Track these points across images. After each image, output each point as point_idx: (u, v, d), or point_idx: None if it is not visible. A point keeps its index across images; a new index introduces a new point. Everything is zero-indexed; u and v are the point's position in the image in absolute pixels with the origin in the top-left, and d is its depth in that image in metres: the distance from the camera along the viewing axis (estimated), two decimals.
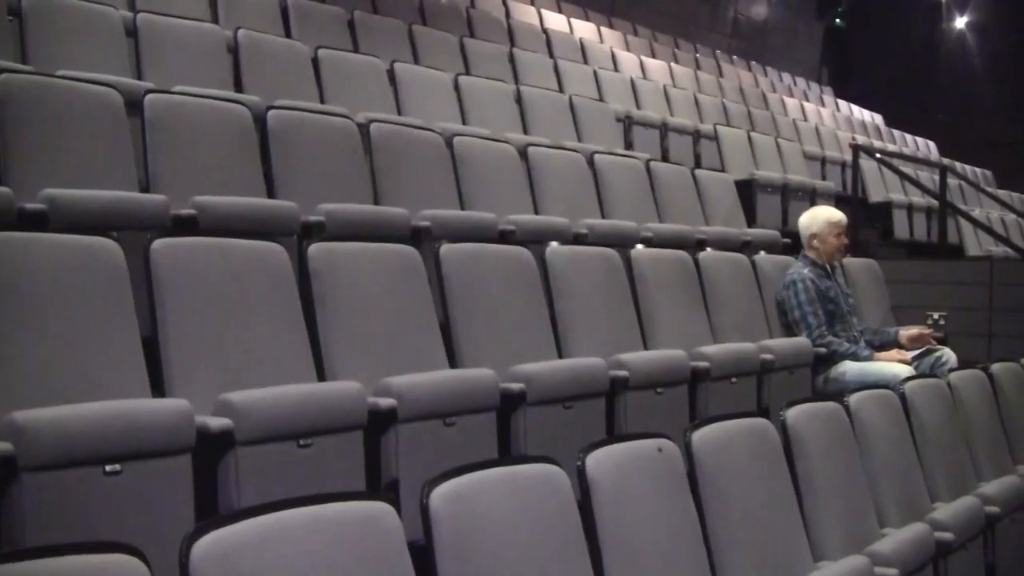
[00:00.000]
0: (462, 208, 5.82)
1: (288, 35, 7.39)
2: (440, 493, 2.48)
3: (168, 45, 6.01)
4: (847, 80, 20.18)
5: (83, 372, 3.19)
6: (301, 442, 3.25)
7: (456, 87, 7.61)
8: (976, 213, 11.74)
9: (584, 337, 4.93)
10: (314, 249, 4.02)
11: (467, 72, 8.36)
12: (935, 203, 11.27)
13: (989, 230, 10.84)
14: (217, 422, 3.08)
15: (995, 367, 5.95)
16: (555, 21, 12.93)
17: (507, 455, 3.93)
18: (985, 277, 8.47)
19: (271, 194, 5.01)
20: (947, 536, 4.14)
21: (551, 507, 2.73)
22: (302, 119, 5.35)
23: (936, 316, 6.92)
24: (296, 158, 5.18)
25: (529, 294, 4.81)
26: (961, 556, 4.28)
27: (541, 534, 2.67)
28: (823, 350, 6.13)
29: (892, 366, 6.10)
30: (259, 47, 6.48)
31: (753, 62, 17.22)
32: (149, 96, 4.79)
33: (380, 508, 2.36)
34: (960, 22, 20.21)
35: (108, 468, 2.82)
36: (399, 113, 6.88)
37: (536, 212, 6.25)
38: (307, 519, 2.20)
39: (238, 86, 6.22)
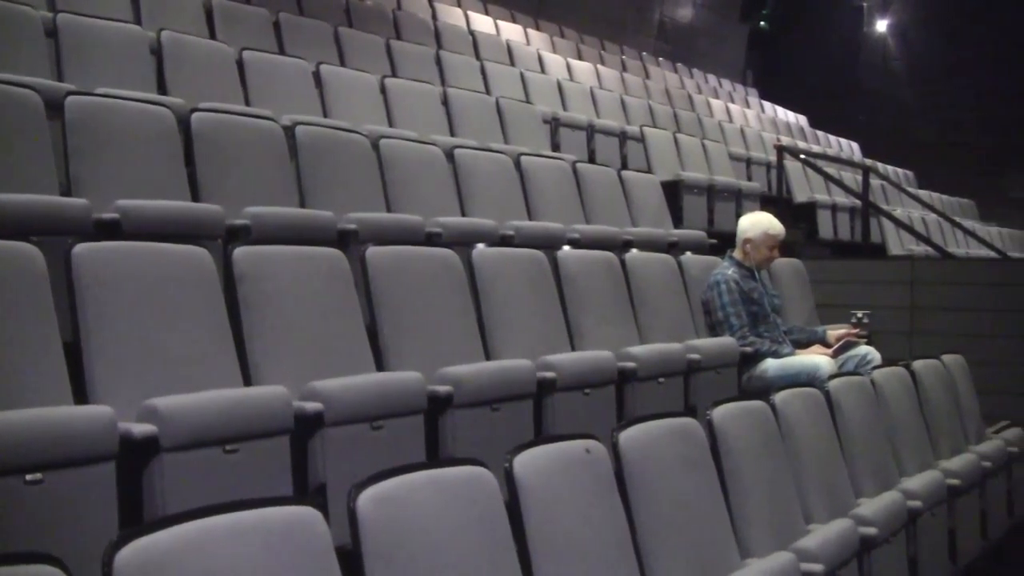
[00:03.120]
0: (388, 211, 5.81)
1: (213, 37, 7.32)
2: (367, 497, 2.47)
3: (90, 46, 5.93)
4: (772, 82, 20.39)
5: (3, 379, 3.14)
6: (227, 448, 3.22)
7: (382, 89, 7.58)
8: (898, 213, 11.93)
9: (511, 339, 4.94)
10: (239, 253, 3.99)
11: (393, 74, 8.33)
12: (858, 203, 11.44)
13: (911, 230, 11.02)
14: (141, 429, 3.05)
15: (917, 364, 6.06)
16: (482, 23, 12.94)
17: (435, 458, 3.93)
18: (907, 276, 8.61)
19: (195, 197, 4.96)
20: (871, 531, 4.20)
21: (479, 509, 2.73)
22: (227, 121, 5.31)
23: (860, 315, 7.02)
24: (221, 161, 5.13)
25: (456, 296, 4.81)
26: (885, 550, 4.35)
27: (469, 536, 2.67)
28: (748, 349, 6.19)
29: (813, 357, 6.18)
30: (183, 49, 6.40)
31: (679, 64, 17.35)
32: (70, 98, 4.72)
33: (307, 513, 2.35)
34: (882, 25, 20.50)
35: (29, 477, 2.77)
36: (325, 115, 6.84)
37: (463, 214, 6.25)
38: (233, 525, 2.19)
39: (161, 88, 6.15)
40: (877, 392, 5.36)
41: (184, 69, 6.31)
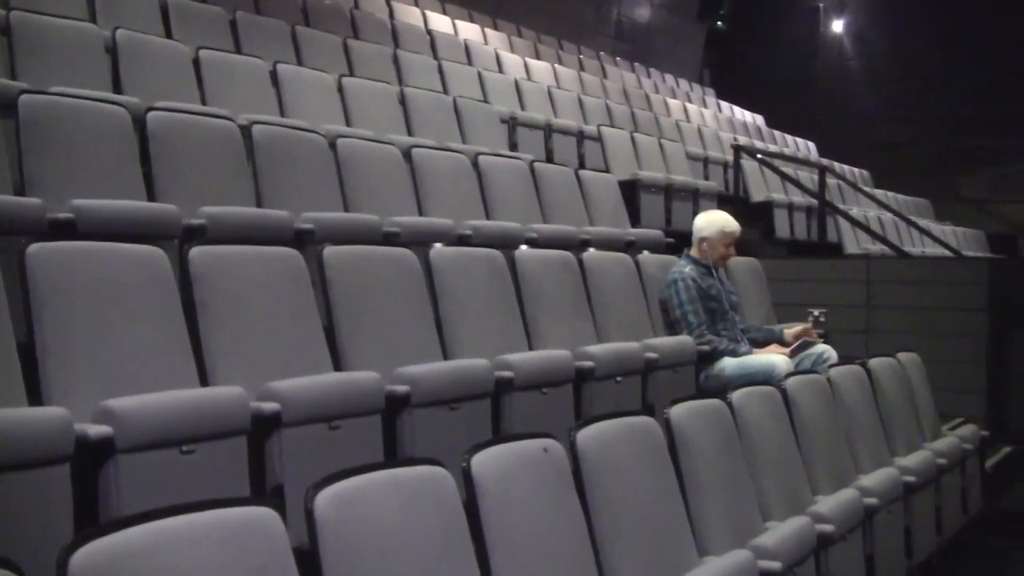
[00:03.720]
0: (346, 210, 5.80)
1: (169, 35, 7.27)
2: (325, 497, 2.47)
3: (44, 44, 5.87)
4: (729, 82, 20.49)
5: None
6: (184, 448, 3.20)
7: (340, 88, 7.56)
8: (854, 212, 12.02)
9: (469, 338, 4.94)
10: (195, 253, 3.97)
11: (351, 73, 8.31)
12: (815, 203, 11.52)
13: (867, 229, 11.11)
14: (97, 430, 3.02)
15: (873, 362, 6.11)
16: (439, 22, 12.93)
17: (393, 458, 3.93)
18: (863, 275, 8.67)
19: (151, 197, 4.93)
20: (828, 528, 4.24)
21: (437, 509, 2.74)
22: (183, 121, 5.28)
23: (816, 313, 7.07)
24: (177, 160, 5.10)
25: (414, 296, 4.80)
26: (841, 547, 4.39)
27: (427, 536, 2.67)
28: (705, 348, 6.21)
29: (770, 356, 6.22)
30: (139, 47, 6.36)
31: (637, 64, 17.39)
32: (24, 96, 4.68)
33: (264, 514, 2.34)
34: (838, 26, 20.65)
35: None
36: (282, 115, 6.82)
37: (420, 214, 6.24)
38: (190, 527, 2.18)
39: (117, 87, 6.10)
40: (833, 390, 5.41)
41: (140, 68, 6.27)
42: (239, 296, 4.03)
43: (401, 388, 4.02)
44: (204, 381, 3.76)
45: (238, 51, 7.64)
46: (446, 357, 4.78)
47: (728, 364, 6.22)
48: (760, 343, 6.60)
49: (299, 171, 5.66)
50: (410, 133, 7.70)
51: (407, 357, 4.35)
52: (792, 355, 6.38)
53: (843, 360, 6.23)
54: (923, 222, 14.12)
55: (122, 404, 3.11)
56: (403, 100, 8.01)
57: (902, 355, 6.62)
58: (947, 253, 12.10)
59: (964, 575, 6.45)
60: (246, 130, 5.56)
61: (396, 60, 9.37)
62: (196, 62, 6.66)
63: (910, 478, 5.33)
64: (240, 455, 3.41)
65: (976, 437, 6.75)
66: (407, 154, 6.46)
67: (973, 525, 6.57)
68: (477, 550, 2.82)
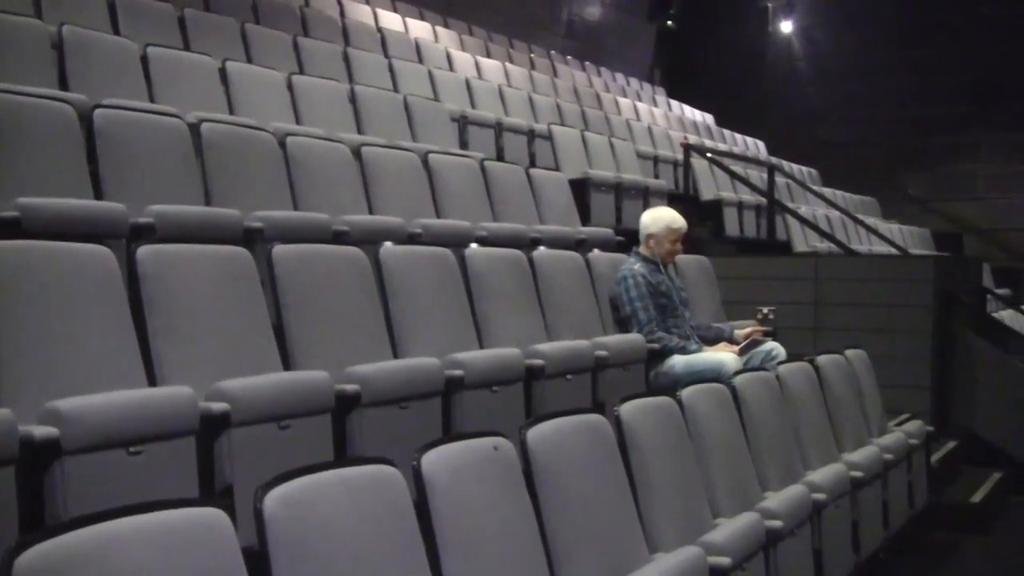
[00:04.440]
0: (295, 209, 5.77)
1: (116, 32, 7.21)
2: (274, 497, 2.47)
3: None
4: (679, 81, 20.58)
5: None
6: (131, 449, 3.18)
7: (289, 86, 7.53)
8: (803, 211, 12.12)
9: (419, 337, 4.94)
10: (143, 252, 3.94)
11: (301, 71, 8.28)
12: (764, 201, 11.60)
13: (815, 227, 11.20)
14: (42, 431, 3.00)
15: (821, 359, 6.18)
16: (390, 20, 12.89)
17: (343, 457, 3.92)
18: (811, 272, 8.75)
19: (98, 195, 4.88)
20: (777, 524, 4.28)
21: (387, 508, 2.74)
22: (131, 119, 5.23)
23: (765, 311, 7.09)
24: (124, 158, 5.06)
25: (364, 295, 4.79)
26: (790, 542, 4.43)
27: (378, 536, 2.67)
28: (655, 345, 6.24)
29: (719, 355, 6.25)
30: (85, 44, 6.29)
31: (587, 63, 17.42)
32: None
33: (213, 515, 2.33)
34: (786, 26, 20.79)
35: None
36: (231, 113, 6.77)
37: (371, 212, 6.23)
38: (138, 528, 2.17)
39: (63, 84, 6.04)
40: (782, 387, 5.46)
41: (87, 65, 6.20)
42: (188, 296, 4.00)
43: (351, 387, 4.01)
44: (152, 381, 3.74)
45: (187, 48, 7.58)
46: (396, 356, 4.77)
47: (678, 362, 6.25)
48: (710, 341, 6.64)
49: (248, 170, 5.63)
50: (360, 131, 7.68)
51: (357, 356, 4.34)
52: (741, 353, 6.42)
53: (792, 357, 6.28)
54: (870, 220, 14.26)
55: (68, 405, 3.08)
56: (353, 98, 7.99)
57: (850, 352, 6.69)
58: (894, 251, 12.24)
59: (909, 568, 6.53)
60: (195, 128, 5.52)
61: (346, 58, 9.34)
62: (144, 59, 6.60)
63: (857, 473, 5.39)
64: (189, 456, 3.39)
65: (922, 432, 6.84)
66: (357, 152, 6.44)
67: (919, 519, 6.65)
68: (428, 549, 2.82)
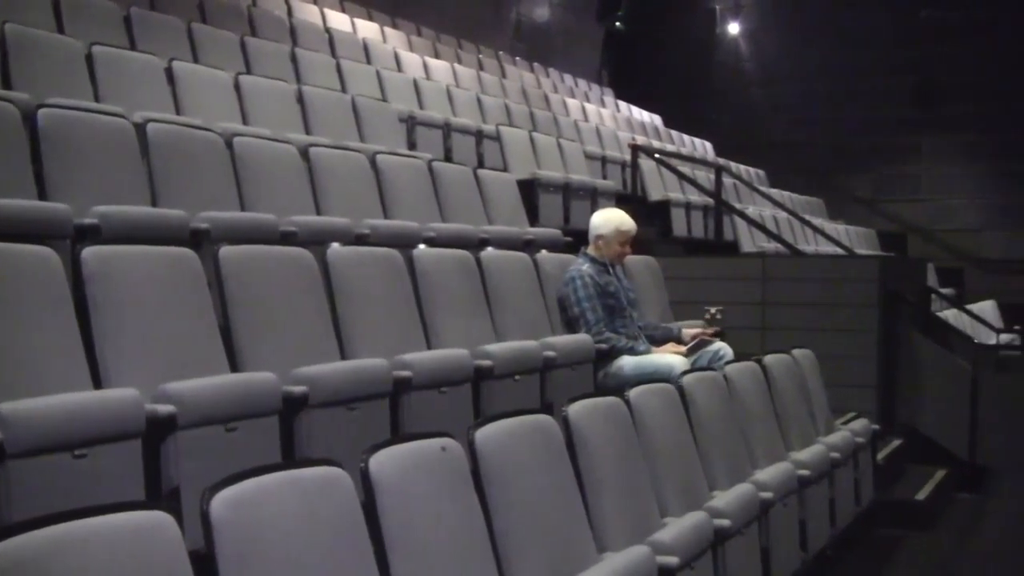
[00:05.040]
0: (242, 210, 5.74)
1: (61, 31, 7.13)
2: (221, 499, 2.45)
3: None
4: (627, 82, 20.65)
5: None
6: (76, 453, 3.16)
7: (237, 86, 7.48)
8: (750, 211, 12.18)
9: (367, 338, 4.93)
10: (88, 253, 3.91)
11: (248, 71, 8.24)
12: (711, 202, 11.66)
13: (762, 227, 11.27)
14: None
15: (768, 359, 6.22)
16: (338, 21, 12.84)
17: (290, 459, 3.90)
18: (758, 272, 8.80)
19: (43, 196, 4.83)
20: (725, 523, 4.31)
21: (335, 510, 2.73)
22: (75, 118, 5.18)
23: (713, 311, 7.15)
24: (69, 159, 5.01)
25: (311, 296, 4.77)
26: (738, 541, 4.46)
27: (325, 537, 2.66)
28: (603, 346, 6.26)
29: (667, 357, 6.28)
30: (29, 42, 6.22)
31: (535, 63, 17.44)
32: None
33: (159, 518, 2.32)
34: (733, 28, 20.93)
35: None
36: (178, 113, 6.73)
37: (318, 213, 6.21)
38: (83, 532, 2.15)
39: (6, 83, 5.97)
40: (729, 387, 5.49)
41: (30, 64, 6.14)
42: (133, 297, 3.97)
43: (298, 389, 4.00)
44: (97, 384, 3.71)
45: (132, 47, 7.52)
46: (344, 357, 4.76)
47: (627, 363, 6.27)
48: (658, 341, 6.67)
49: (195, 170, 5.60)
50: (308, 132, 7.65)
51: (305, 357, 4.32)
52: (689, 353, 6.46)
53: (739, 357, 6.32)
54: (817, 221, 14.37)
55: (11, 408, 3.05)
56: (301, 99, 7.95)
57: (796, 352, 6.74)
58: (840, 251, 12.35)
59: (856, 565, 6.59)
60: (140, 128, 5.47)
61: (294, 58, 9.30)
62: (89, 58, 6.54)
63: (804, 472, 5.43)
64: (135, 458, 3.37)
65: (868, 431, 6.91)
66: (305, 153, 6.42)
67: (865, 516, 6.72)
68: (376, 550, 2.82)
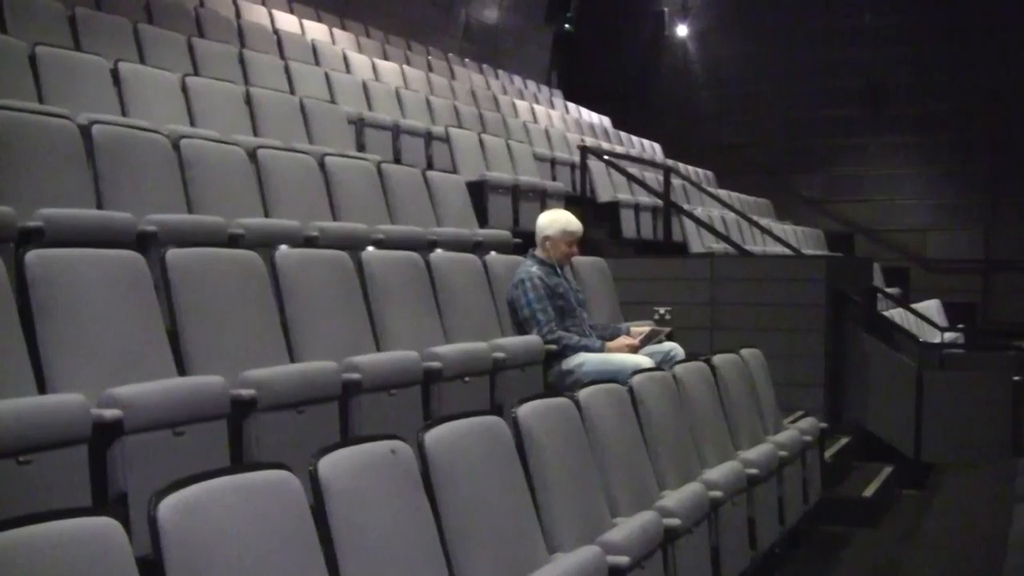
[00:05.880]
0: (190, 212, 5.70)
1: (3, 31, 7.05)
2: (168, 505, 2.44)
3: None
4: (576, 83, 20.70)
5: None
6: (21, 459, 3.12)
7: (184, 88, 7.43)
8: (698, 212, 12.25)
9: (316, 341, 4.91)
10: (32, 256, 3.86)
11: (195, 73, 8.18)
12: (660, 203, 11.71)
13: (710, 228, 11.33)
14: None
15: (717, 359, 6.26)
16: (286, 22, 12.79)
17: (239, 462, 3.88)
18: (707, 273, 8.85)
19: None
20: (675, 522, 4.33)
21: (285, 514, 2.72)
22: (19, 120, 5.12)
23: (662, 311, 7.20)
24: (13, 160, 4.94)
25: (259, 299, 4.75)
26: (688, 540, 4.49)
27: (275, 541, 2.65)
28: (554, 346, 6.27)
29: (631, 356, 6.29)
30: None
31: (485, 65, 17.44)
32: None
33: (106, 524, 2.30)
34: (682, 30, 21.04)
35: None
36: (124, 114, 6.67)
37: (266, 215, 6.18)
38: (29, 539, 2.14)
39: None
40: (679, 387, 5.52)
41: None
42: (79, 301, 3.93)
43: (247, 392, 3.98)
44: (42, 389, 3.67)
45: (78, 48, 7.45)
46: (293, 360, 4.74)
47: (588, 360, 6.26)
48: (608, 340, 6.68)
49: (141, 172, 5.55)
50: (256, 134, 7.61)
51: (253, 360, 4.31)
52: (640, 345, 6.50)
53: (688, 357, 6.35)
54: (764, 221, 14.47)
55: None
56: (249, 100, 7.91)
57: (745, 351, 6.79)
58: (787, 252, 12.43)
59: (804, 562, 6.64)
60: (86, 130, 5.42)
61: (242, 60, 9.25)
62: (33, 59, 6.47)
63: (753, 471, 5.48)
64: (81, 464, 3.34)
65: (815, 429, 6.96)
66: (253, 155, 6.38)
67: (813, 513, 6.78)
68: (326, 554, 2.81)
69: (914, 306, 14.31)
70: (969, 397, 8.93)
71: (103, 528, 2.28)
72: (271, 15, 12.67)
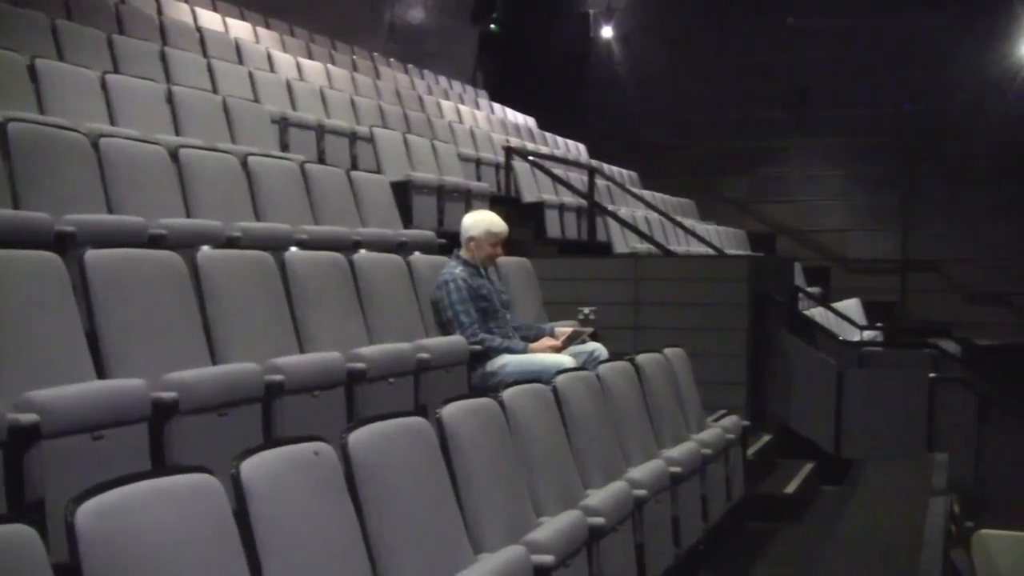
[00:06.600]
0: (110, 212, 5.62)
1: None
2: (87, 510, 2.40)
3: None
4: (502, 84, 20.72)
5: None
6: None
7: (104, 86, 7.32)
8: (622, 212, 12.31)
9: (239, 342, 4.86)
10: None
11: (116, 70, 8.07)
12: (585, 203, 11.76)
13: (634, 228, 11.40)
14: None
15: (641, 358, 6.30)
16: (209, 20, 12.67)
17: (160, 466, 3.84)
18: (631, 273, 8.91)
19: None
20: (599, 521, 4.35)
21: (207, 518, 2.70)
22: None
23: (586, 311, 7.23)
24: None
25: (181, 300, 4.69)
26: (612, 538, 4.51)
27: (197, 546, 2.63)
28: (478, 347, 6.27)
29: (553, 356, 6.32)
30: None
31: (410, 65, 17.39)
32: None
33: (21, 532, 2.26)
34: (607, 32, 21.14)
35: None
36: (41, 112, 6.56)
37: (188, 216, 6.11)
38: None
39: None
40: (603, 386, 5.55)
41: None
42: None
43: (168, 395, 3.93)
44: None
45: None
46: (215, 362, 4.69)
47: (511, 361, 6.28)
48: (532, 340, 6.70)
49: (59, 171, 5.47)
50: (178, 133, 7.52)
51: (175, 363, 4.25)
52: (563, 347, 6.53)
53: (612, 357, 6.38)
54: (688, 222, 14.58)
55: None
56: (171, 99, 7.81)
57: (668, 350, 6.84)
58: (711, 252, 12.55)
59: (728, 558, 6.71)
60: (2, 128, 5.32)
61: (164, 58, 9.13)
62: None
63: (677, 469, 5.51)
64: None
65: (738, 427, 7.03)
66: (174, 154, 6.31)
67: (736, 510, 6.85)
68: (249, 558, 2.79)
69: (834, 305, 14.54)
70: (887, 394, 9.10)
71: (18, 536, 2.24)
72: (194, 12, 12.53)
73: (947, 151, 18.16)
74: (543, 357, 6.33)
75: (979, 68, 18.15)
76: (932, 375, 9.28)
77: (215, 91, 8.96)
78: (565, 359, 6.26)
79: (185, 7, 12.52)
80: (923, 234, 18.55)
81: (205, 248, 5.15)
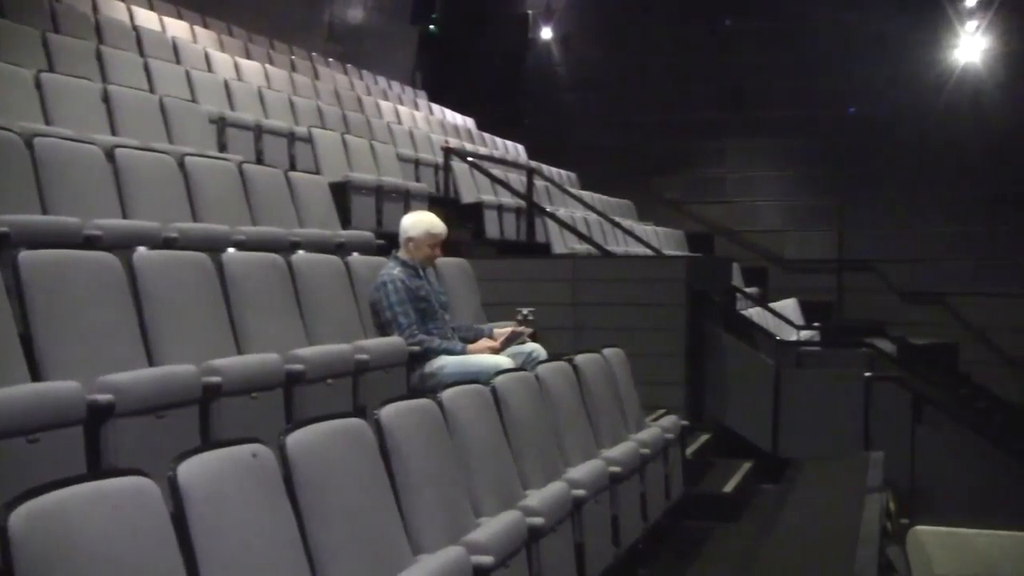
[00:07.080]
0: (44, 213, 5.56)
1: None
2: (20, 515, 2.38)
3: None
4: (441, 85, 20.70)
5: None
6: None
7: (38, 84, 7.22)
8: (561, 213, 12.35)
9: (176, 344, 4.83)
10: None
11: (50, 69, 7.96)
12: (523, 204, 11.78)
13: (573, 229, 11.43)
14: None
15: (579, 359, 6.32)
16: (146, 18, 12.54)
17: (96, 470, 3.80)
18: (569, 273, 8.94)
19: None
20: (538, 521, 4.37)
21: (144, 521, 2.68)
22: None
23: (525, 312, 7.22)
24: None
25: (117, 302, 4.65)
26: (552, 538, 4.53)
27: (134, 550, 2.62)
28: (417, 348, 6.27)
29: (494, 357, 6.33)
30: None
31: (349, 65, 17.33)
32: None
33: None
34: (546, 33, 21.18)
35: None
36: None
37: (124, 216, 6.06)
38: None
39: None
40: (542, 387, 5.56)
41: None
42: None
43: (104, 397, 3.90)
44: None
45: None
46: (152, 364, 4.66)
47: (449, 363, 6.29)
48: (470, 341, 6.71)
49: None
50: (114, 133, 7.44)
51: (111, 365, 4.22)
52: (502, 347, 6.54)
53: (551, 357, 6.40)
54: (626, 222, 14.63)
55: None
56: (107, 98, 7.72)
57: (607, 351, 6.87)
58: (649, 252, 12.61)
59: (667, 557, 6.75)
60: None
61: (100, 56, 9.03)
62: None
63: (616, 469, 5.54)
64: None
65: (677, 427, 7.08)
66: (110, 154, 6.25)
67: (675, 509, 6.89)
68: (186, 561, 2.77)
69: (772, 305, 14.66)
70: (824, 393, 9.20)
71: None
72: (130, 11, 12.40)
73: (883, 153, 18.37)
74: (482, 358, 6.34)
75: (915, 71, 18.38)
76: (868, 374, 9.40)
77: (152, 91, 8.88)
78: (504, 360, 6.28)
79: (121, 6, 12.39)
80: (859, 234, 18.74)
81: (141, 249, 5.11)
